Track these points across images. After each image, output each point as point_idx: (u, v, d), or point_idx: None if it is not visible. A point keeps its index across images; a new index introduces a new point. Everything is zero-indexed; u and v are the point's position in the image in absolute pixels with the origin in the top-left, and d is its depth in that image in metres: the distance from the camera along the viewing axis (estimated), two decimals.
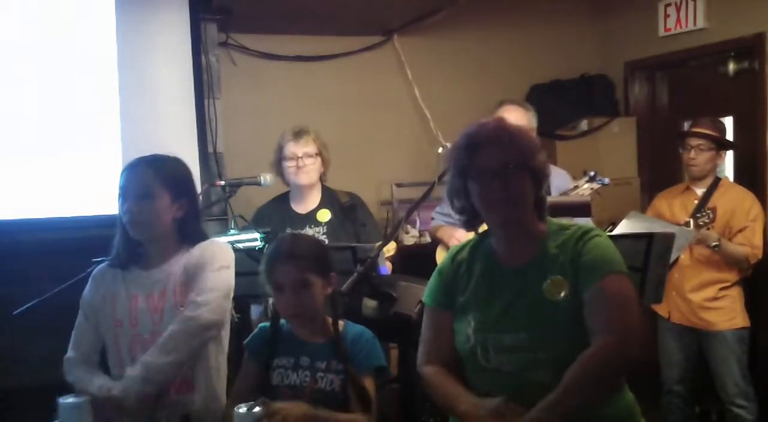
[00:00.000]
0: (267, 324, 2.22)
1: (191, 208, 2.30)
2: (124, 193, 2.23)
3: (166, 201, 2.23)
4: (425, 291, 2.08)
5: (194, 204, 2.32)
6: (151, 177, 2.21)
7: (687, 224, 3.52)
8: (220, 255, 2.30)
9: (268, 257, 2.15)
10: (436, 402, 1.96)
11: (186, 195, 2.28)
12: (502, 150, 1.86)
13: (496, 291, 1.92)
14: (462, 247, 2.05)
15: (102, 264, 2.37)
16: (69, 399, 2.01)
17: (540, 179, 1.92)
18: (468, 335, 1.91)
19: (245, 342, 2.25)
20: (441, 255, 3.72)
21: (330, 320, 2.16)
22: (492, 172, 1.85)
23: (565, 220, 2.01)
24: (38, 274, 3.09)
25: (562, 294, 1.84)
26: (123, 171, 2.26)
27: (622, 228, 3.38)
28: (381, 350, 2.17)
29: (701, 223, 3.52)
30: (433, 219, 3.82)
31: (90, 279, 2.37)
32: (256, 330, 2.27)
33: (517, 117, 3.41)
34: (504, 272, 1.93)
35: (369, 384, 2.10)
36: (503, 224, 1.92)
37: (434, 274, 2.07)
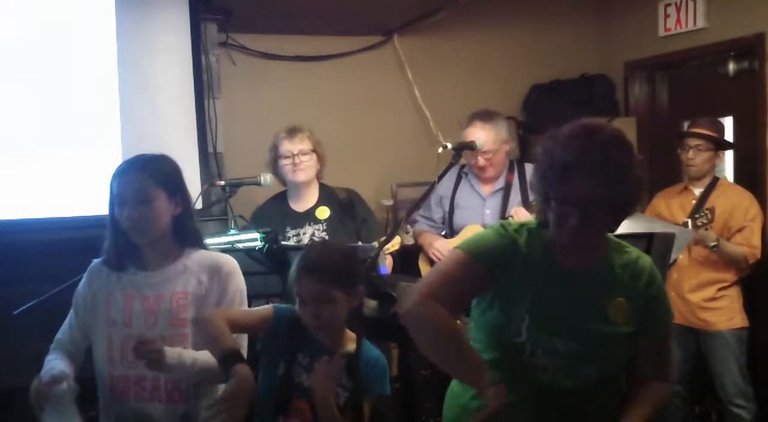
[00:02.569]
0: (292, 307, 2.16)
1: (186, 203, 2.29)
2: (121, 201, 2.21)
3: (164, 201, 2.22)
4: (471, 239, 1.95)
5: (188, 199, 2.31)
6: (146, 181, 2.20)
7: (685, 224, 3.52)
8: (240, 282, 2.31)
9: (296, 266, 2.12)
10: (428, 342, 1.86)
11: (179, 191, 2.27)
12: (595, 185, 1.74)
13: (553, 290, 1.88)
14: (519, 227, 1.94)
15: (99, 260, 2.35)
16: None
17: (627, 208, 1.85)
18: (521, 330, 1.85)
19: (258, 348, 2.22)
20: (423, 265, 3.71)
21: (351, 335, 2.16)
22: (574, 204, 1.76)
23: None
24: (38, 274, 3.08)
25: (624, 317, 1.88)
26: (114, 177, 2.23)
27: (622, 228, 3.36)
28: (388, 377, 2.17)
29: (700, 224, 3.51)
30: (416, 221, 3.79)
31: (86, 273, 2.36)
32: (284, 307, 2.20)
33: (486, 135, 3.41)
34: (562, 271, 1.89)
35: (367, 408, 2.12)
36: (570, 248, 1.87)
37: (497, 231, 1.93)
